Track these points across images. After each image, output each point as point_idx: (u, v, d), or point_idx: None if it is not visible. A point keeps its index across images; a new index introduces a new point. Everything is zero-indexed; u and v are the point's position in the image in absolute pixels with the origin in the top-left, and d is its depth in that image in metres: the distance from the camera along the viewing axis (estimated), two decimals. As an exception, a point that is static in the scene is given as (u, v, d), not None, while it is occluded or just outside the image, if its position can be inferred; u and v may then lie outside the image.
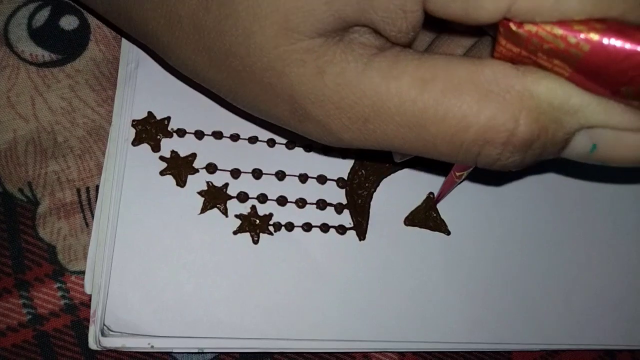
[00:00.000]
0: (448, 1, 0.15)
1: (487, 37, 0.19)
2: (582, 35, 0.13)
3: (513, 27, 0.14)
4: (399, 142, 0.16)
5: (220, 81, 0.18)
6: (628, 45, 0.13)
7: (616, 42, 0.13)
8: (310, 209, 0.25)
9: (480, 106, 0.15)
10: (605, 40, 0.13)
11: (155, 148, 0.24)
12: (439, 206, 0.26)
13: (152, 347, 0.23)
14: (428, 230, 0.26)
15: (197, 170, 0.24)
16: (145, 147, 0.24)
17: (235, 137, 0.25)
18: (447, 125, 0.15)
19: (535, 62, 0.15)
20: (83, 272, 0.23)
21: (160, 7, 0.17)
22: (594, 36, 0.13)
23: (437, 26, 0.17)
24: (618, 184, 0.29)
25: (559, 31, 0.14)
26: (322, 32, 0.15)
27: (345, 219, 0.25)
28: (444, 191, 0.24)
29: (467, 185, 0.27)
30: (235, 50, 0.16)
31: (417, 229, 0.26)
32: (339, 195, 0.26)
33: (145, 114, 0.24)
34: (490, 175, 0.27)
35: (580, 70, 0.14)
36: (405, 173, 0.26)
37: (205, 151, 0.25)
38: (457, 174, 0.22)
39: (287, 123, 0.18)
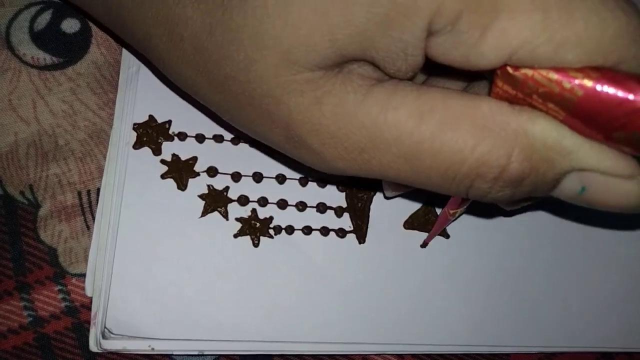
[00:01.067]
0: (450, 49, 0.15)
1: (482, 78, 0.19)
2: (577, 81, 0.14)
3: (510, 70, 0.15)
4: (393, 172, 0.16)
5: (218, 102, 0.18)
6: (620, 93, 0.14)
7: (609, 89, 0.14)
8: (311, 213, 0.25)
9: (475, 141, 0.15)
10: (599, 87, 0.14)
11: (157, 151, 0.24)
12: (438, 210, 0.26)
13: (153, 349, 0.23)
14: (427, 234, 0.26)
15: (198, 174, 0.25)
16: (146, 151, 0.24)
17: (236, 141, 0.25)
18: (442, 158, 0.15)
19: (530, 104, 0.15)
20: (84, 275, 0.23)
21: (162, 25, 0.17)
22: (588, 82, 0.14)
23: (432, 67, 0.17)
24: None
25: (555, 76, 0.14)
26: (322, 66, 0.15)
27: (345, 222, 0.26)
28: (437, 229, 0.25)
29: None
30: (235, 75, 0.16)
31: (416, 232, 0.26)
32: (339, 199, 0.26)
33: (147, 118, 0.24)
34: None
35: (574, 114, 0.14)
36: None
37: (206, 154, 0.25)
38: (451, 211, 0.22)
39: (282, 148, 0.18)
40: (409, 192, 0.25)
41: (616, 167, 0.15)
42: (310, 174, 0.25)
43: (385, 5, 0.14)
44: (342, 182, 0.26)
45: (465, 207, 0.22)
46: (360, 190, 0.26)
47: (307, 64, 0.15)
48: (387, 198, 0.26)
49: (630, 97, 0.13)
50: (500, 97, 0.15)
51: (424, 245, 0.26)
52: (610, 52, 0.14)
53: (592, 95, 0.14)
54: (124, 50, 0.25)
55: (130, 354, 0.23)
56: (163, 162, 0.24)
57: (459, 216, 0.23)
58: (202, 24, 0.16)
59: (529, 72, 0.14)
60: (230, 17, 0.16)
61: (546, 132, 0.15)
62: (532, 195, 0.16)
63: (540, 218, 0.28)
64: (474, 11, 0.14)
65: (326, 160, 0.17)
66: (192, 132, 0.25)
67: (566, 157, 0.15)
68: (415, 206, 0.26)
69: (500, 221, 0.27)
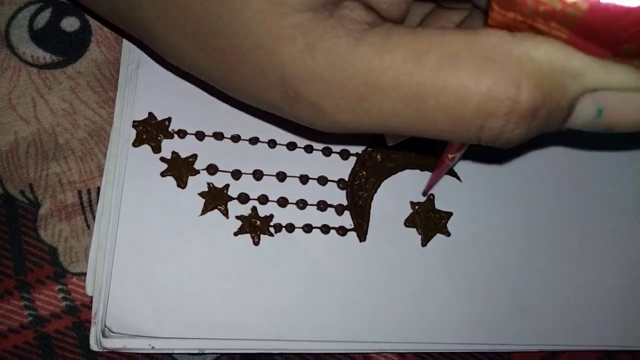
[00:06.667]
0: None
1: (477, 11, 0.18)
2: None
3: None
4: (396, 120, 0.16)
5: (209, 66, 0.18)
6: (627, 1, 0.13)
7: None
8: (311, 210, 0.25)
9: (479, 75, 0.14)
10: None
11: (156, 149, 0.24)
12: (438, 207, 0.26)
13: (153, 348, 0.23)
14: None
15: (198, 172, 0.24)
16: (146, 148, 0.24)
17: (236, 138, 0.25)
18: (446, 96, 0.15)
19: (532, 26, 0.14)
20: (84, 274, 0.23)
21: None
22: None
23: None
24: (618, 187, 0.29)
25: None
26: (311, 6, 0.15)
27: (346, 220, 0.25)
28: (437, 176, 0.24)
29: (467, 187, 0.27)
30: (223, 30, 0.16)
31: (417, 230, 0.26)
32: (339, 197, 0.26)
33: (146, 115, 0.24)
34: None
35: (579, 31, 0.13)
36: (406, 174, 0.26)
37: (206, 152, 0.25)
38: (450, 156, 0.21)
39: (279, 108, 0.18)
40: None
41: (629, 81, 0.14)
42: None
43: None
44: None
45: (464, 150, 0.21)
46: (361, 188, 0.26)
47: (293, 4, 0.15)
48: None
49: (638, 3, 0.12)
50: (499, 23, 0.14)
51: (424, 194, 0.25)
52: None
53: (597, 7, 0.13)
54: (123, 47, 0.25)
55: (131, 352, 0.23)
56: (163, 159, 0.24)
57: (457, 162, 0.22)
58: None
59: None
60: None
61: (552, 55, 0.14)
62: (548, 128, 0.16)
63: (541, 217, 0.27)
64: None
65: (325, 114, 0.16)
66: (192, 130, 0.25)
67: (576, 78, 0.14)
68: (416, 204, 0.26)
69: (500, 219, 0.27)
